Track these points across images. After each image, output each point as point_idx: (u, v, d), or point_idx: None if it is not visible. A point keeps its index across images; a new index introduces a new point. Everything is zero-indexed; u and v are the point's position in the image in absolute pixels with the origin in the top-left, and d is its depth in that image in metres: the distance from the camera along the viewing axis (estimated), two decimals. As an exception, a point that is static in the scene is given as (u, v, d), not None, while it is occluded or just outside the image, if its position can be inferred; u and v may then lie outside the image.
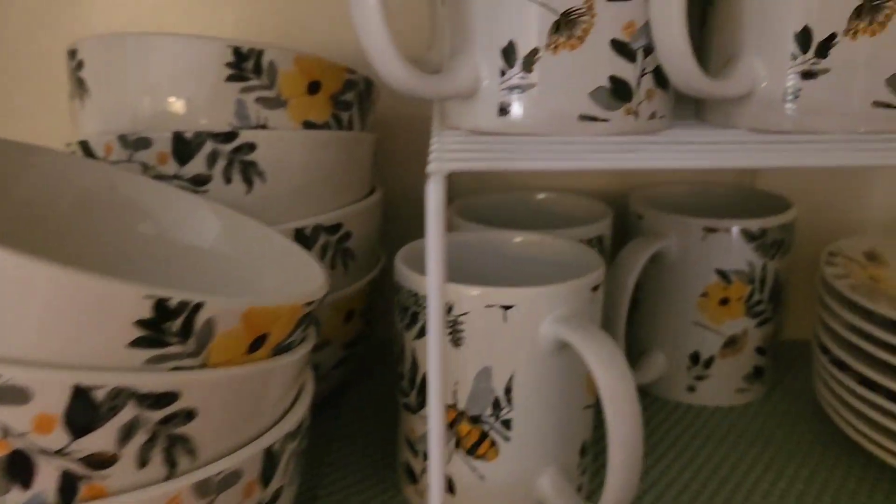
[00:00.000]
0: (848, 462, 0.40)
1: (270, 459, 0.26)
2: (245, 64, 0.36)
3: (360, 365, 0.47)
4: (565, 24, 0.27)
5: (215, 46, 0.35)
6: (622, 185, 0.53)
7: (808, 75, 0.29)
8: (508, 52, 0.28)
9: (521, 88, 0.28)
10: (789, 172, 0.53)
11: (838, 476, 0.39)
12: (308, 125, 0.38)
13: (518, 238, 0.39)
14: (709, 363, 0.45)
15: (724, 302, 0.44)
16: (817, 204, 0.53)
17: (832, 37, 0.28)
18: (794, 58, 0.29)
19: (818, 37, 0.28)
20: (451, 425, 0.34)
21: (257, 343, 0.25)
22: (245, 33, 0.49)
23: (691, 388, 0.46)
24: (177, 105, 0.36)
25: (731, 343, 0.45)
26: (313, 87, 0.37)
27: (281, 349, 0.26)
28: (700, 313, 0.45)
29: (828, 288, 0.41)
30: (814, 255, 0.49)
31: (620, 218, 0.48)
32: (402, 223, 0.50)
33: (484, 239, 0.39)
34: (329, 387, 0.43)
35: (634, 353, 0.48)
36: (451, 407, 0.34)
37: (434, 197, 0.22)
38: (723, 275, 0.44)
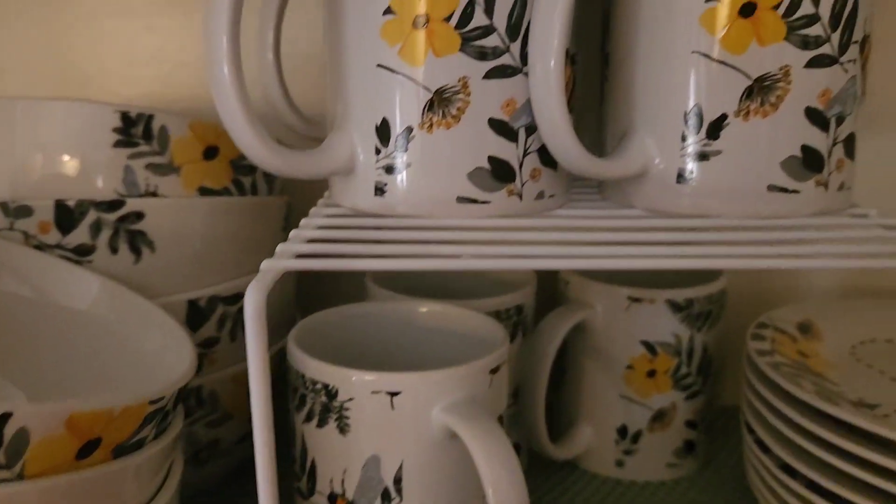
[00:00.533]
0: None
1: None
2: (134, 129, 0.34)
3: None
4: (440, 102, 0.26)
5: (102, 111, 0.34)
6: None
7: (701, 157, 0.27)
8: (383, 130, 0.27)
9: (397, 168, 0.27)
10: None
11: (762, 566, 0.37)
12: (204, 191, 0.36)
13: (423, 308, 0.37)
14: (637, 437, 0.43)
15: (651, 374, 0.42)
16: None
17: (723, 117, 0.27)
18: (686, 138, 0.27)
19: (709, 117, 0.27)
20: (340, 516, 0.32)
21: (89, 447, 0.23)
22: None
23: (620, 463, 0.44)
24: (64, 171, 0.35)
25: (660, 417, 0.43)
26: (210, 153, 0.36)
27: (127, 448, 0.24)
28: (626, 386, 0.43)
29: (752, 365, 0.39)
30: (752, 320, 0.48)
31: (552, 282, 0.46)
32: (331, 283, 0.49)
33: (391, 309, 0.38)
34: (233, 463, 0.41)
35: (562, 425, 0.46)
36: (338, 496, 0.32)
37: (252, 301, 0.20)
38: (648, 346, 0.42)
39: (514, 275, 0.45)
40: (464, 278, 0.47)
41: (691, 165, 0.27)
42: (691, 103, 0.27)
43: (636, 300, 0.42)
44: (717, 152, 0.27)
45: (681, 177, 0.28)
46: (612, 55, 0.30)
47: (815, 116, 0.27)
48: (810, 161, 0.27)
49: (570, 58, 0.29)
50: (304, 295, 0.47)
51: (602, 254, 0.23)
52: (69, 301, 0.32)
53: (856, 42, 0.27)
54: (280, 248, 0.23)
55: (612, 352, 0.43)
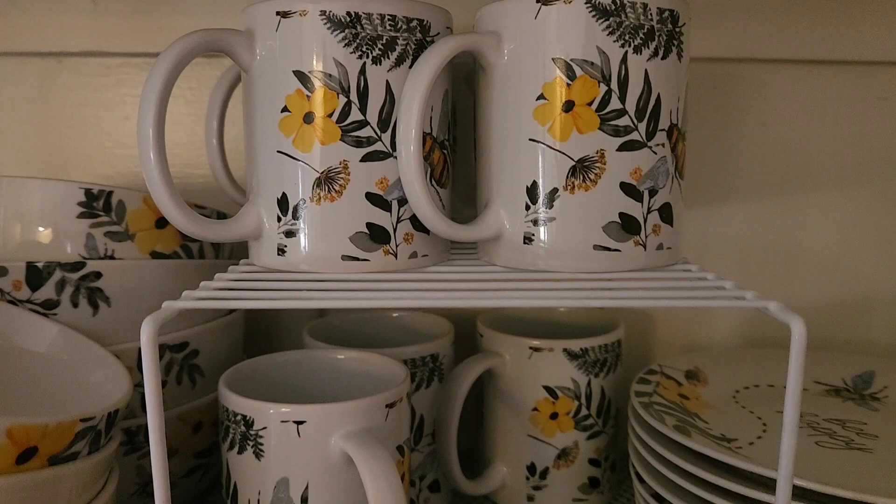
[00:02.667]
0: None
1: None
2: (95, 203, 0.41)
3: (218, 475, 0.50)
4: (325, 181, 0.33)
5: (70, 188, 0.41)
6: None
7: (538, 222, 0.34)
8: (282, 203, 0.33)
9: (293, 233, 0.33)
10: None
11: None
12: (156, 255, 0.43)
13: (341, 355, 0.43)
14: (544, 474, 0.48)
15: (554, 416, 0.48)
16: (669, 321, 0.57)
17: (555, 191, 0.33)
18: (528, 207, 0.34)
19: (544, 191, 0.33)
20: (255, 533, 0.37)
21: (27, 455, 0.28)
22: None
23: (531, 498, 0.49)
24: (38, 238, 0.41)
25: (564, 455, 0.48)
26: (161, 222, 0.43)
27: (61, 459, 0.30)
28: (533, 426, 0.48)
29: (632, 406, 0.45)
30: (656, 371, 0.53)
31: (471, 335, 0.52)
32: (275, 338, 0.55)
33: (314, 356, 0.44)
34: (181, 496, 0.46)
35: (481, 465, 0.51)
36: (255, 515, 0.37)
37: (146, 331, 0.27)
38: (550, 391, 0.47)
39: (432, 328, 0.51)
40: (389, 332, 0.53)
41: (533, 230, 0.34)
42: (531, 180, 0.33)
43: (537, 349, 0.47)
44: (552, 219, 0.33)
45: (526, 239, 0.34)
46: (478, 140, 0.36)
47: (629, 190, 0.33)
48: (627, 225, 0.33)
49: (440, 143, 0.35)
50: (253, 347, 0.53)
51: (443, 295, 0.29)
52: (31, 345, 0.38)
53: (662, 129, 0.33)
54: (185, 293, 0.29)
55: (519, 396, 0.48)
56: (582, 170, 0.33)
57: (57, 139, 0.55)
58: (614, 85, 0.32)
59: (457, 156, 0.38)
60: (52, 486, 0.30)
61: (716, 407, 0.46)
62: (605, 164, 0.33)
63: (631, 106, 0.32)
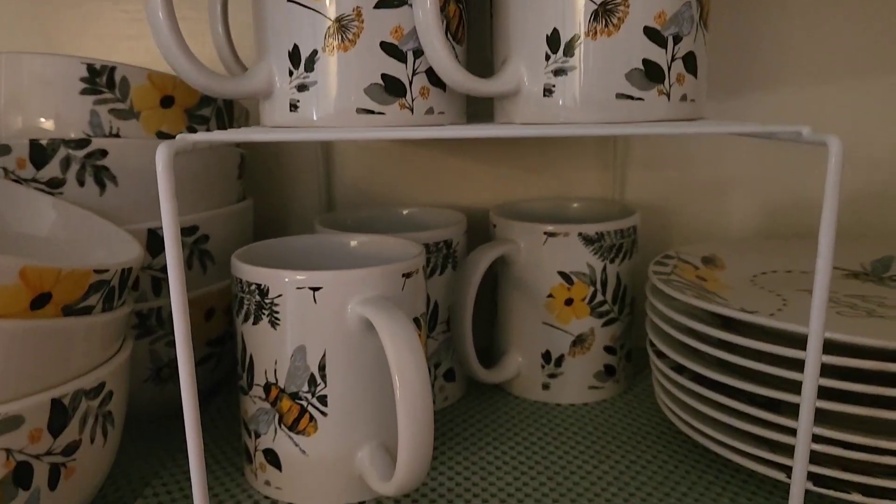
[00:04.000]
0: (688, 457, 0.42)
1: (59, 411, 0.29)
2: (98, 79, 0.40)
3: (233, 362, 0.50)
4: (338, 29, 0.31)
5: (70, 63, 0.39)
6: (490, 202, 0.57)
7: (559, 73, 0.32)
8: (293, 55, 0.32)
9: (306, 87, 0.32)
10: (658, 189, 0.56)
11: (677, 471, 0.41)
12: (162, 135, 0.42)
13: (354, 241, 0.43)
14: (560, 361, 0.48)
15: (569, 302, 0.47)
16: (687, 216, 0.57)
17: (575, 38, 0.32)
18: (548, 58, 0.33)
19: (564, 38, 0.32)
20: (274, 402, 0.37)
21: (40, 301, 0.28)
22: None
23: (546, 386, 0.49)
24: (40, 114, 0.40)
25: (580, 342, 0.48)
26: (166, 101, 0.41)
27: (74, 311, 0.30)
28: (548, 314, 0.48)
29: (651, 286, 0.44)
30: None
31: (484, 226, 0.51)
32: (284, 229, 0.54)
33: (326, 241, 0.43)
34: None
35: (496, 354, 0.51)
36: (272, 385, 0.37)
37: (162, 156, 0.26)
38: (565, 276, 0.47)
39: (445, 216, 0.50)
40: (401, 228, 0.52)
41: (553, 80, 0.33)
42: (551, 27, 0.32)
43: (552, 234, 0.46)
44: (574, 68, 0.32)
45: (546, 91, 0.33)
46: (494, -5, 0.35)
47: (653, 35, 0.32)
48: (651, 73, 0.32)
49: (455, -3, 0.34)
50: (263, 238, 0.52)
51: (460, 130, 0.28)
52: (31, 228, 0.37)
53: (687, -28, 0.32)
54: (200, 133, 0.28)
55: (534, 282, 0.48)
56: (605, 13, 0.31)
57: (57, 34, 0.54)
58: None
59: (471, 15, 0.36)
60: (65, 338, 0.29)
61: (734, 288, 0.46)
62: (627, 6, 0.31)
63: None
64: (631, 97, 0.32)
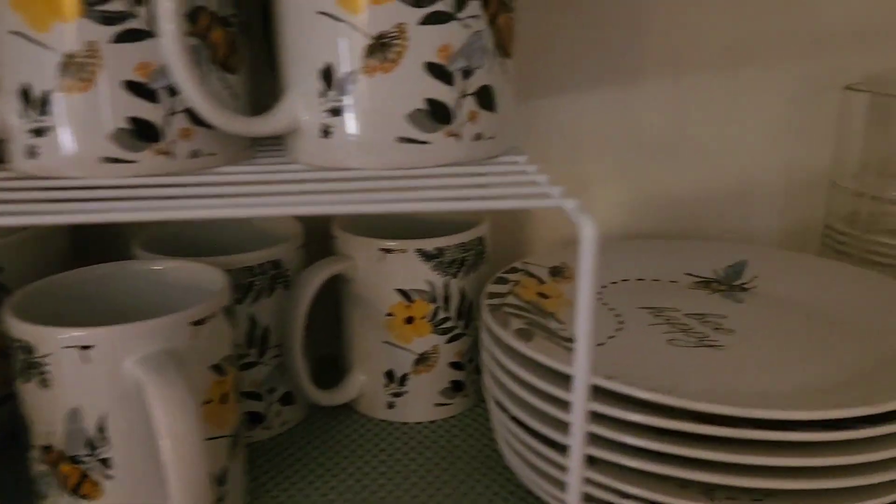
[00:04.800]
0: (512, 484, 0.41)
1: None
2: None
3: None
4: (73, 67, 0.27)
5: None
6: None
7: (335, 112, 0.29)
8: (25, 95, 0.28)
9: (43, 131, 0.28)
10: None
11: (497, 497, 0.40)
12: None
13: (159, 266, 0.39)
14: (403, 381, 0.46)
15: (410, 321, 0.45)
16: (550, 216, 0.54)
17: (351, 73, 0.28)
18: (322, 95, 0.29)
19: (338, 74, 0.28)
20: (54, 465, 0.34)
21: None
22: None
23: (391, 405, 0.47)
24: None
25: (423, 360, 0.45)
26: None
27: None
28: (388, 332, 0.45)
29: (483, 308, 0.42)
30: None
31: (324, 239, 0.48)
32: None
33: (128, 269, 0.39)
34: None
35: (342, 372, 0.48)
36: (50, 448, 0.33)
37: None
38: (404, 294, 0.44)
39: (275, 230, 0.46)
40: (237, 238, 0.48)
41: (330, 121, 0.29)
42: (323, 62, 0.28)
43: (388, 251, 0.43)
44: (350, 107, 0.29)
45: (324, 132, 0.29)
46: (271, 18, 0.31)
47: (436, 71, 0.28)
48: (437, 113, 0.29)
49: (222, 19, 0.30)
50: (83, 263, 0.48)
51: (185, 204, 0.24)
52: None
53: (474, -1, 0.28)
54: None
55: (373, 301, 0.45)
56: (380, 48, 0.28)
57: None
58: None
59: (252, 35, 0.32)
60: None
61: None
62: (406, 40, 0.28)
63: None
64: (415, 140, 0.29)
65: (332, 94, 0.29)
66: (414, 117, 0.28)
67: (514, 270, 0.45)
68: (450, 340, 0.46)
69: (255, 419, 0.44)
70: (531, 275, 0.45)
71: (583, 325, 0.24)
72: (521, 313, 0.40)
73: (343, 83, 0.28)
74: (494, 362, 0.38)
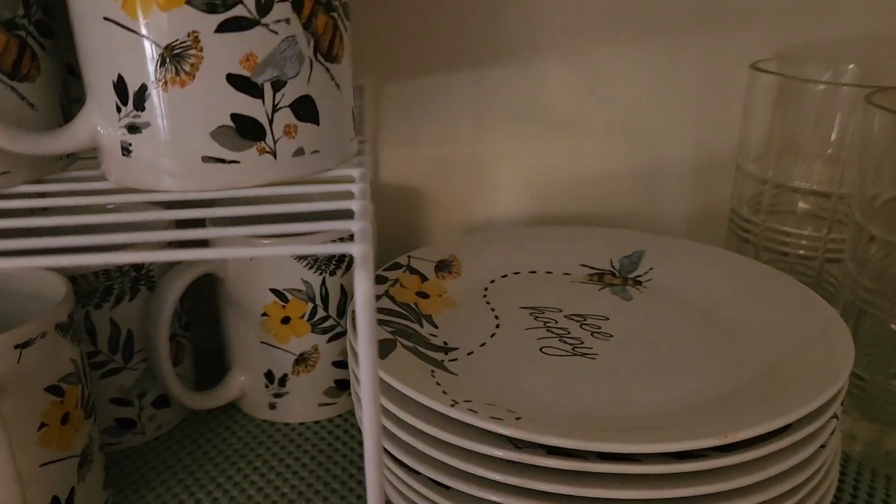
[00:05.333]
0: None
1: None
2: None
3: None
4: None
5: None
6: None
7: (133, 129, 0.26)
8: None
9: (134, 128, 0.25)
10: (416, 169, 0.51)
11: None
12: None
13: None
14: (283, 381, 0.44)
15: (286, 321, 0.42)
16: (449, 199, 0.52)
17: (144, 88, 0.25)
18: (119, 110, 0.26)
19: (132, 87, 0.25)
20: None
21: None
22: None
23: (273, 406, 0.45)
24: None
25: (303, 360, 0.43)
26: None
27: None
28: (265, 333, 0.43)
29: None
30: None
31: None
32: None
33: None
34: None
35: (224, 372, 0.46)
36: None
37: None
38: (278, 294, 0.42)
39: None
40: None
41: (129, 138, 0.26)
42: (116, 72, 0.25)
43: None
44: (147, 124, 0.26)
45: (125, 150, 0.26)
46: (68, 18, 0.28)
47: (240, 83, 0.25)
48: (245, 129, 0.26)
49: (6, 23, 0.27)
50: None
51: None
52: None
53: (283, 1, 0.25)
54: None
55: (246, 301, 0.42)
56: (172, 59, 0.25)
57: None
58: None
59: (56, 41, 0.29)
60: None
61: (458, 304, 0.42)
62: (201, 50, 0.25)
63: (229, -31, 0.24)
64: (222, 160, 0.26)
65: (127, 108, 0.26)
66: (219, 134, 0.26)
67: (396, 267, 0.43)
68: (331, 339, 0.44)
69: (126, 425, 0.42)
70: (415, 271, 0.43)
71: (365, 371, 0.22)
72: (390, 318, 0.38)
73: (138, 98, 0.25)
74: (353, 375, 0.36)
